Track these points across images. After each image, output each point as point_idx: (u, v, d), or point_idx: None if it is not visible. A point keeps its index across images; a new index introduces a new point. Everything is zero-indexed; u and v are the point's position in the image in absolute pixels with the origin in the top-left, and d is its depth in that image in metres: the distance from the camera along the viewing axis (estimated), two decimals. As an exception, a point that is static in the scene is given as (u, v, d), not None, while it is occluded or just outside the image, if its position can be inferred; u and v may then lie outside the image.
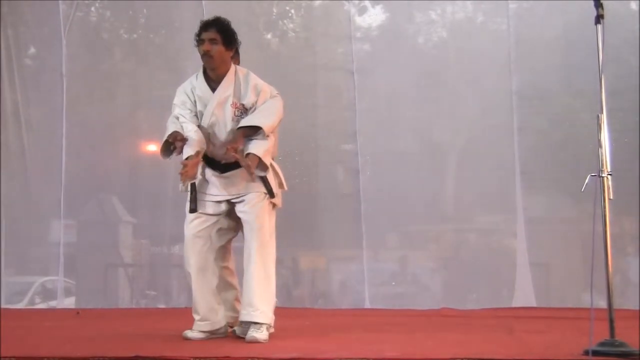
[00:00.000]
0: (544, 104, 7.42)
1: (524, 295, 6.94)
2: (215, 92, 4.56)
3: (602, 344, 3.60)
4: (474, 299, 7.22)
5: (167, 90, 8.28)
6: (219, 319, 4.60)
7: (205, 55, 4.54)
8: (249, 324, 4.39)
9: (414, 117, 7.69)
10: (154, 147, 8.48)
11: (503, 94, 7.27)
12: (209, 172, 4.63)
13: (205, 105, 4.57)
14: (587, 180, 3.73)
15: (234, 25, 4.68)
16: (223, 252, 4.73)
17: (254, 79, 4.62)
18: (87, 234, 8.16)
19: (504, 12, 7.43)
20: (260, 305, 4.39)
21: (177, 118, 4.60)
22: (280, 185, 4.65)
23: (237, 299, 4.72)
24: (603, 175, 3.69)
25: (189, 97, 4.62)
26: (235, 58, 4.74)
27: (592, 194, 3.70)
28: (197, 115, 4.60)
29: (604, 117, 3.72)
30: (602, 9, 3.84)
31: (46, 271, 8.24)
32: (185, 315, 4.74)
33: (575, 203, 6.96)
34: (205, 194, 4.60)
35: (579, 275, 6.91)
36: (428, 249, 7.84)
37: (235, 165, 4.49)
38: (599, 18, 3.84)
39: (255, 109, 4.52)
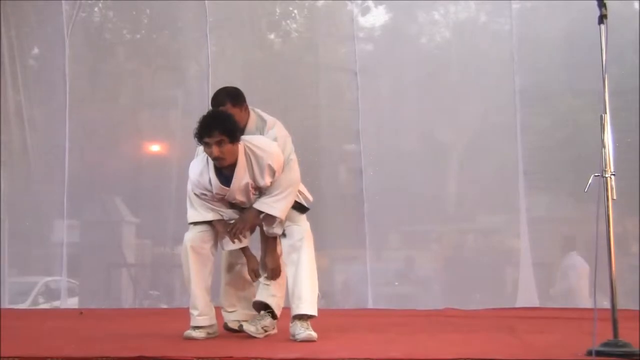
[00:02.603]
0: (547, 104, 7.42)
1: (527, 296, 6.94)
2: (231, 185, 4.45)
3: (605, 344, 3.59)
4: (477, 299, 7.22)
5: (170, 90, 8.38)
6: (213, 314, 4.64)
7: (217, 159, 4.36)
8: (294, 319, 4.43)
9: (417, 117, 7.69)
10: (157, 147, 8.51)
11: (506, 94, 7.27)
12: None
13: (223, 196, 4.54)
14: (590, 181, 3.72)
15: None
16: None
17: (265, 155, 4.47)
18: (90, 234, 8.17)
19: (507, 12, 7.44)
20: (309, 297, 4.46)
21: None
22: (307, 200, 4.70)
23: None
24: (606, 175, 3.69)
25: (206, 188, 4.54)
26: (244, 110, 4.69)
27: (595, 194, 3.69)
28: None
29: (607, 117, 3.71)
30: (605, 8, 3.84)
31: (49, 271, 8.25)
32: (188, 315, 4.74)
33: (578, 203, 6.95)
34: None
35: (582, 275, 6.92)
36: (431, 249, 7.84)
37: None
38: (602, 18, 3.83)
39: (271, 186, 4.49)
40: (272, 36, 8.54)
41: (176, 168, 8.05)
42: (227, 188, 4.44)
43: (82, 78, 8.17)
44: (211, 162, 4.43)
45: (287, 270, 4.52)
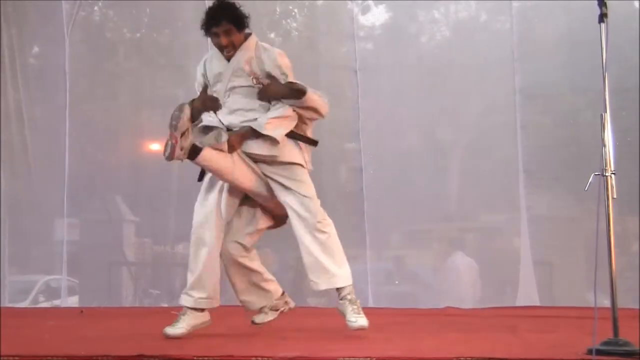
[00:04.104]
0: (547, 103, 7.42)
1: (528, 294, 6.94)
2: (231, 61, 4.50)
3: (605, 343, 3.59)
4: (478, 298, 7.22)
5: (171, 89, 8.38)
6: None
7: (225, 48, 4.46)
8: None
9: (417, 116, 7.69)
10: (157, 146, 8.49)
11: (506, 93, 7.28)
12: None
13: (222, 77, 4.52)
14: (590, 179, 3.72)
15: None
16: None
17: (274, 52, 4.57)
18: (90, 232, 8.18)
19: (508, 10, 7.44)
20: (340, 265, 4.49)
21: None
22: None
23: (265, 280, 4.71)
24: (606, 174, 3.69)
25: (204, 77, 4.63)
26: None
27: (596, 193, 3.69)
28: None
29: (608, 116, 3.71)
30: (606, 7, 3.83)
31: (49, 270, 8.26)
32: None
33: (579, 202, 6.95)
34: None
35: (583, 274, 6.91)
36: (431, 247, 7.84)
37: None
38: (602, 17, 3.83)
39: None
40: (272, 35, 8.54)
41: (176, 167, 8.02)
42: (226, 62, 4.49)
43: (82, 77, 8.17)
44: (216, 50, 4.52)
45: (302, 251, 4.48)
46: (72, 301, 7.85)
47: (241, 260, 4.60)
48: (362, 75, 7.55)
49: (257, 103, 4.50)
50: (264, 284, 4.68)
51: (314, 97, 4.53)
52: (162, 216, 7.94)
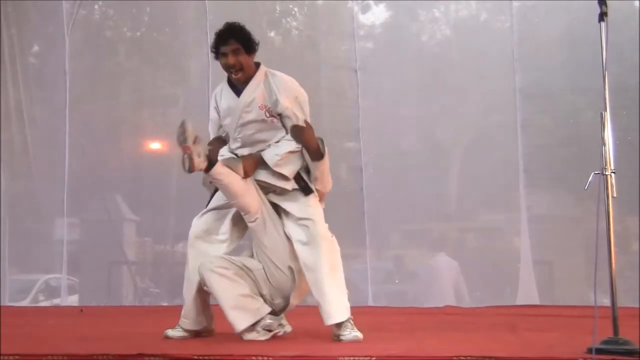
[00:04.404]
0: (547, 102, 7.42)
1: (527, 294, 6.94)
2: (241, 96, 4.45)
3: (605, 342, 3.59)
4: (478, 297, 7.22)
5: (171, 89, 8.39)
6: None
7: (232, 68, 4.40)
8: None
9: (417, 115, 7.69)
10: (157, 145, 8.50)
11: (506, 92, 7.27)
12: None
13: (232, 112, 4.49)
14: (590, 179, 3.72)
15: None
16: None
17: (285, 82, 4.50)
18: (90, 231, 8.18)
19: (508, 10, 7.44)
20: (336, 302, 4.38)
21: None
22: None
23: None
24: (606, 173, 3.69)
25: (217, 112, 4.62)
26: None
27: (596, 192, 3.69)
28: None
29: (608, 115, 3.72)
30: (606, 6, 3.84)
31: (49, 269, 8.26)
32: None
33: (579, 201, 6.96)
34: None
35: (583, 273, 6.92)
36: (431, 247, 7.84)
37: None
38: (602, 16, 3.83)
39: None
40: (272, 34, 8.54)
41: (176, 166, 8.03)
42: (236, 97, 4.45)
43: (82, 76, 8.16)
44: (226, 84, 4.51)
45: (307, 276, 4.38)
46: (72, 300, 7.85)
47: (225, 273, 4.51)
48: (362, 74, 7.55)
49: (268, 135, 4.49)
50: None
51: (326, 167, 4.53)
52: (162, 215, 7.94)
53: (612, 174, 3.69)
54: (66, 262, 7.79)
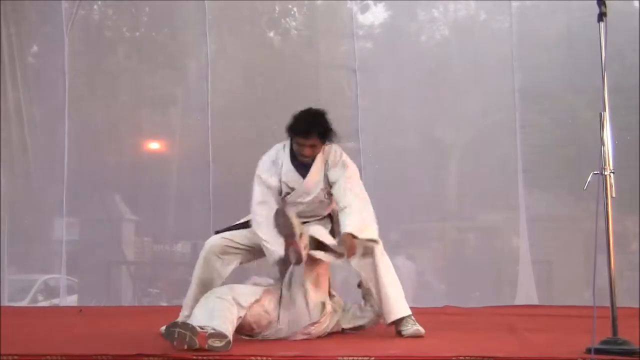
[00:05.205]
0: (546, 102, 7.43)
1: (526, 293, 6.94)
2: (306, 179, 4.51)
3: (604, 342, 3.59)
4: (477, 297, 7.22)
5: (170, 88, 8.38)
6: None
7: (305, 158, 4.47)
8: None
9: (416, 115, 7.69)
10: (156, 145, 8.51)
11: (505, 92, 7.28)
12: None
13: (294, 191, 4.54)
14: (589, 179, 3.72)
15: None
16: None
17: (341, 151, 4.60)
18: (89, 231, 8.18)
19: (507, 10, 7.44)
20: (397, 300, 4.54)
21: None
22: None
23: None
24: (605, 173, 3.69)
25: (276, 177, 4.57)
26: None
27: (595, 192, 3.69)
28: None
29: (607, 115, 3.72)
30: (605, 6, 3.84)
31: (49, 269, 8.26)
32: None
33: (578, 201, 6.96)
34: None
35: (582, 273, 6.92)
36: (431, 247, 7.84)
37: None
38: (601, 16, 3.83)
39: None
40: (271, 34, 8.54)
41: (176, 166, 8.06)
42: (301, 179, 4.48)
43: (81, 76, 8.17)
44: (287, 152, 4.50)
45: (365, 280, 4.56)
46: (71, 300, 7.84)
47: None
48: (362, 74, 7.55)
49: (321, 211, 4.62)
50: None
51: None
52: (161, 215, 7.95)
53: (611, 174, 3.69)
54: (65, 262, 7.78)
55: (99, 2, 8.76)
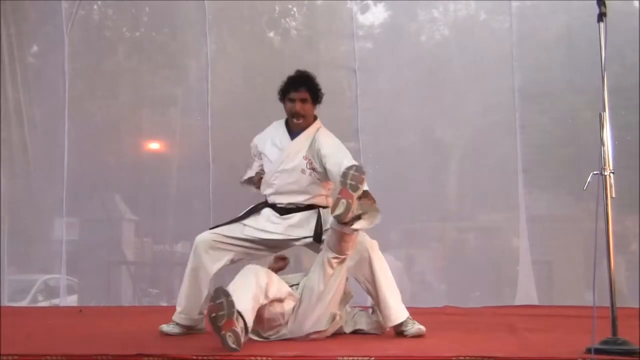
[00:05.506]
0: (546, 102, 7.42)
1: (526, 294, 6.94)
2: (293, 140, 4.66)
3: (604, 342, 3.60)
4: (477, 297, 7.22)
5: (170, 89, 8.37)
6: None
7: (297, 114, 4.64)
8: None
9: (417, 115, 7.68)
10: (156, 145, 8.50)
11: (505, 92, 7.27)
12: (267, 212, 4.68)
13: (278, 155, 4.66)
14: (589, 179, 3.73)
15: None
16: None
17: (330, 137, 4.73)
18: (89, 231, 8.17)
19: (507, 10, 7.43)
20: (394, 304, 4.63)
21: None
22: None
23: None
24: (605, 173, 3.69)
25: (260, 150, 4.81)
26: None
27: (595, 192, 3.70)
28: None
29: (607, 115, 3.72)
30: (605, 6, 3.84)
31: (49, 269, 8.25)
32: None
33: (578, 201, 6.96)
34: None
35: (581, 273, 6.91)
36: (430, 247, 7.83)
37: (295, 209, 4.62)
38: (601, 16, 3.84)
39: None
40: (271, 34, 8.53)
41: (176, 166, 8.05)
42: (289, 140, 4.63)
43: (81, 76, 8.16)
44: (283, 125, 4.73)
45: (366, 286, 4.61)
46: (71, 300, 7.84)
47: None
48: (361, 74, 7.55)
49: (302, 187, 4.65)
50: None
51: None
52: (161, 215, 7.94)
53: (611, 174, 3.70)
54: (65, 262, 7.78)
55: (99, 2, 8.75)
